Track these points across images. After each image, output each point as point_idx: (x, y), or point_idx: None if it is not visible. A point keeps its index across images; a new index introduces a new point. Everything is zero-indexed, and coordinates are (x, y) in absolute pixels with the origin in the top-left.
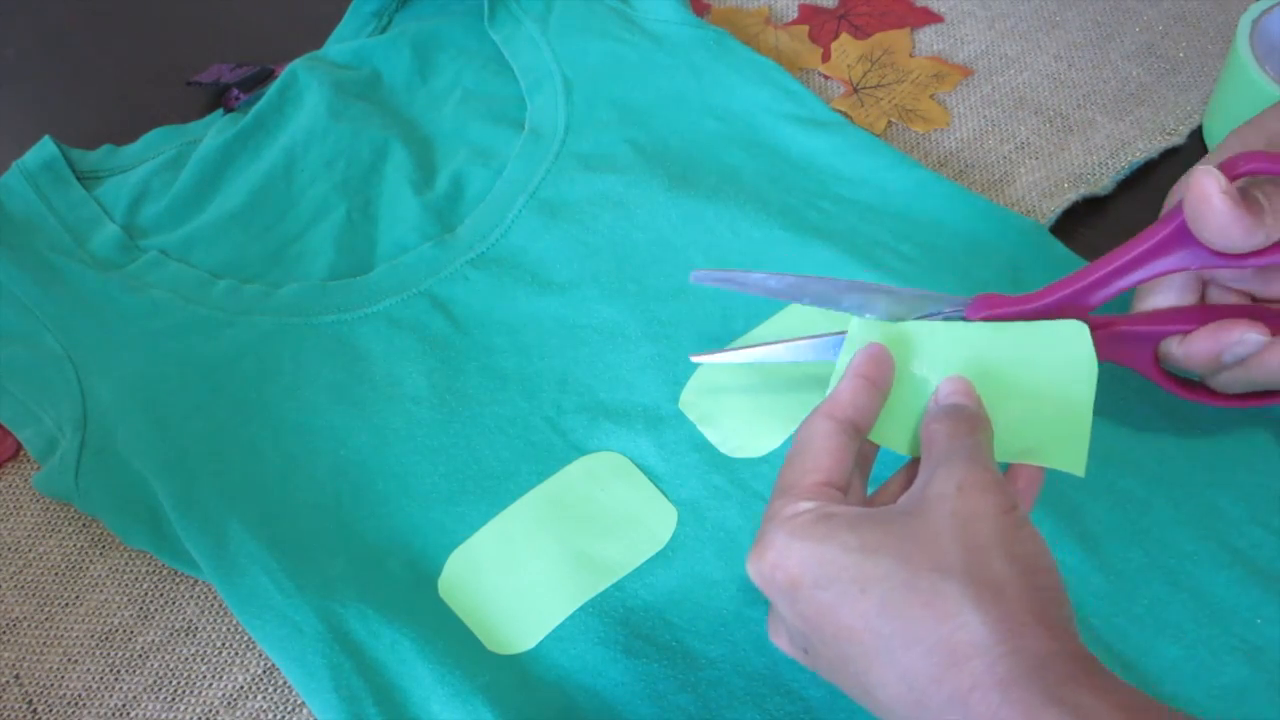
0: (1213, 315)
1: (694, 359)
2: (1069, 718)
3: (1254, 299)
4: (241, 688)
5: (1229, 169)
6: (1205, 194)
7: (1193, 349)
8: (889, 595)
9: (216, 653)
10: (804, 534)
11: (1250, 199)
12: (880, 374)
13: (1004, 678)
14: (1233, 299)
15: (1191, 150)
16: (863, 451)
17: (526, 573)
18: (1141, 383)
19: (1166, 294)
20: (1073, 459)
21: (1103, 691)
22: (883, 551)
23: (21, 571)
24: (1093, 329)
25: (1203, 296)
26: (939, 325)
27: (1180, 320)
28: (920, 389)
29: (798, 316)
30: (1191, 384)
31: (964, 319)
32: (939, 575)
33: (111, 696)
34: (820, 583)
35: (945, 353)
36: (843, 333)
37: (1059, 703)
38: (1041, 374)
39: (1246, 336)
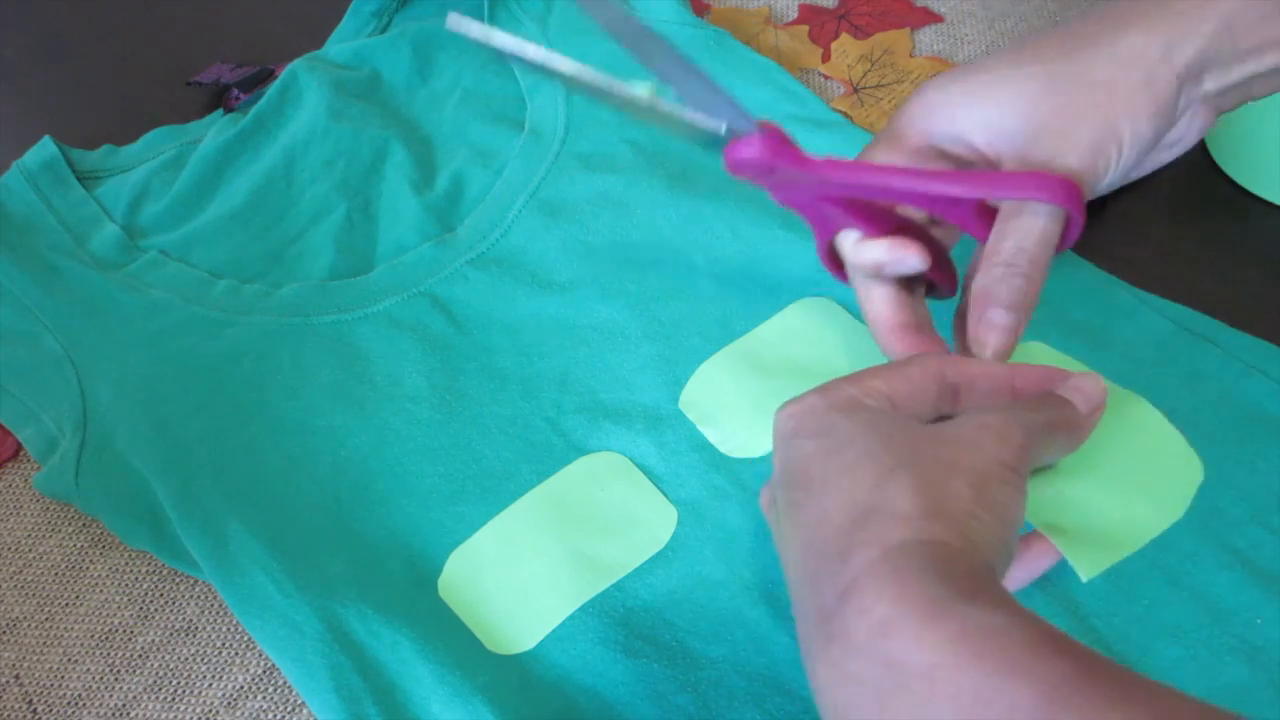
0: (878, 217)
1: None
2: (968, 615)
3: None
4: (241, 688)
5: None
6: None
7: (864, 257)
8: (855, 460)
9: (216, 653)
10: (826, 394)
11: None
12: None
13: (891, 550)
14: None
15: (1192, 150)
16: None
17: (526, 573)
18: (1141, 383)
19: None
20: (1091, 564)
21: (992, 601)
22: (875, 431)
23: (21, 571)
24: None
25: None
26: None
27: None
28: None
29: (798, 317)
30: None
31: (737, 132)
32: (907, 462)
33: (111, 696)
34: (814, 433)
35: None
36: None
37: (941, 600)
38: (1137, 478)
39: (880, 255)
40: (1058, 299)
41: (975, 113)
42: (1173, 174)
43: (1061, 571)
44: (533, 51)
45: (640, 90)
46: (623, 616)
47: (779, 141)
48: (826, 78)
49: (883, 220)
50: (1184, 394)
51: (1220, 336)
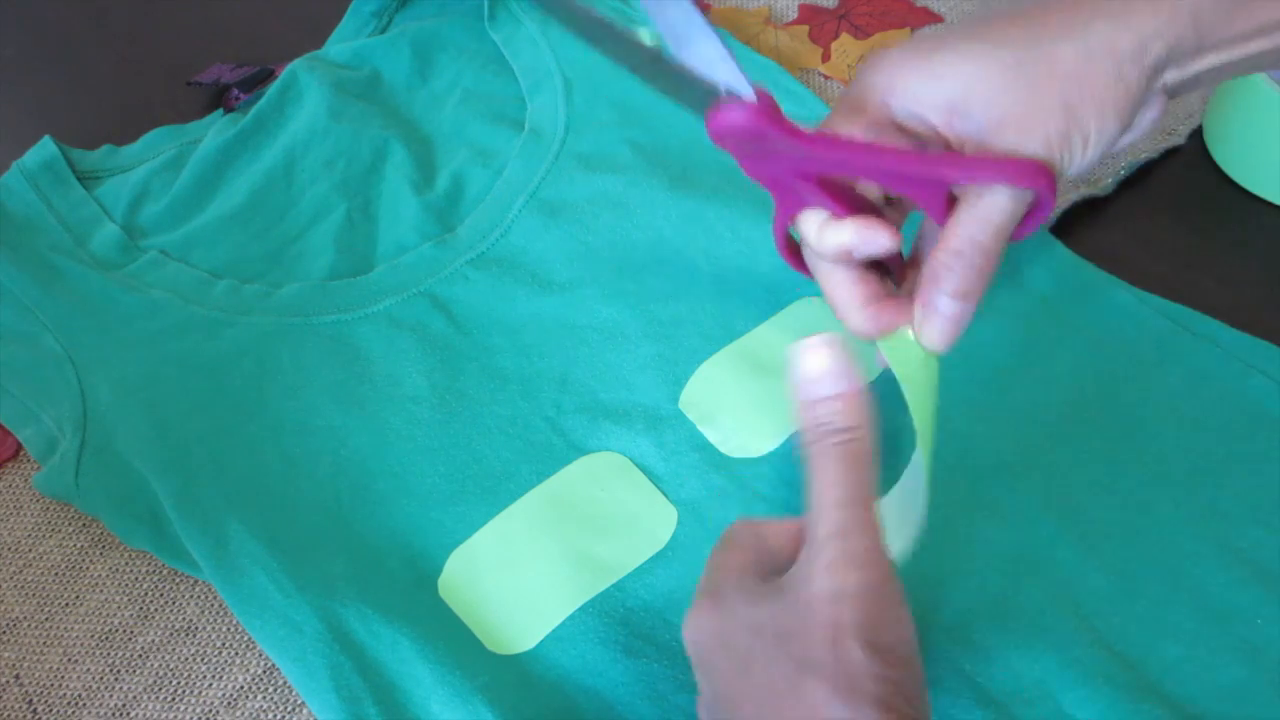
0: (859, 206)
1: None
2: None
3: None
4: (241, 688)
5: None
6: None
7: (830, 233)
8: (765, 679)
9: (216, 653)
10: (713, 606)
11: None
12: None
13: None
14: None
15: (1192, 150)
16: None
17: (526, 573)
18: (1142, 383)
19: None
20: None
21: None
22: (764, 632)
23: (21, 571)
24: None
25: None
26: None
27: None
28: None
29: (798, 317)
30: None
31: (724, 103)
32: (808, 672)
33: (111, 696)
34: (716, 653)
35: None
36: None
37: None
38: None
39: (845, 238)
40: (1058, 299)
41: (936, 93)
42: (1173, 174)
43: (1061, 571)
44: None
45: (644, 36)
46: (623, 616)
47: (772, 110)
48: (826, 78)
49: (849, 200)
50: (1184, 394)
51: (1220, 336)
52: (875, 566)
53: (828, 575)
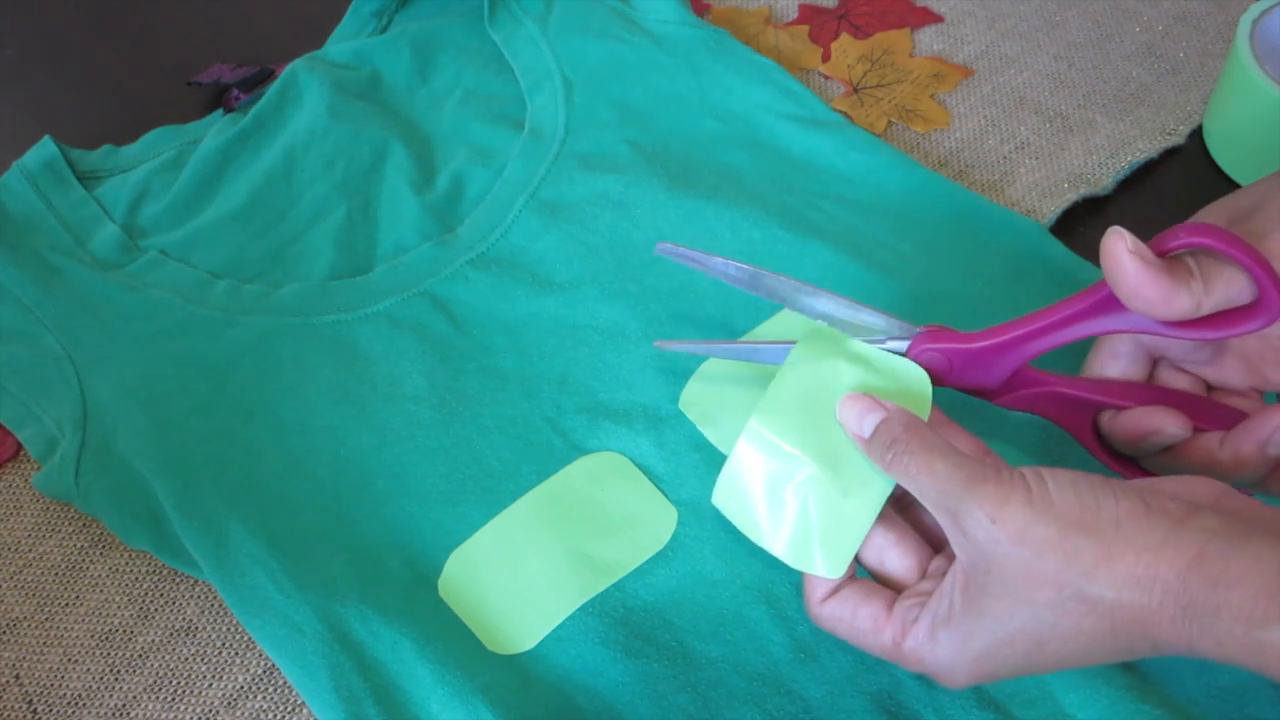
0: (1152, 397)
1: (657, 345)
2: (1230, 621)
3: (1209, 387)
4: (241, 688)
5: (1160, 242)
6: (1114, 255)
7: (1119, 428)
8: (1058, 637)
9: (216, 653)
10: (958, 654)
11: (1176, 265)
12: None
13: (1177, 612)
14: (1185, 382)
15: (1192, 150)
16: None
17: (526, 573)
18: None
19: (1115, 363)
20: None
21: (1243, 579)
22: (1016, 615)
23: (21, 571)
24: (1035, 383)
25: (1152, 374)
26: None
27: (1121, 395)
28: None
29: (798, 316)
30: (1126, 459)
31: (907, 349)
32: (1069, 592)
33: (111, 696)
34: (1011, 667)
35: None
36: (793, 342)
37: (1219, 612)
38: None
39: (1166, 428)
40: (1058, 299)
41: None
42: (1173, 174)
43: None
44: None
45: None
46: (623, 616)
47: (940, 334)
48: (826, 78)
49: (1128, 391)
50: None
51: None
52: (1015, 486)
53: (998, 529)
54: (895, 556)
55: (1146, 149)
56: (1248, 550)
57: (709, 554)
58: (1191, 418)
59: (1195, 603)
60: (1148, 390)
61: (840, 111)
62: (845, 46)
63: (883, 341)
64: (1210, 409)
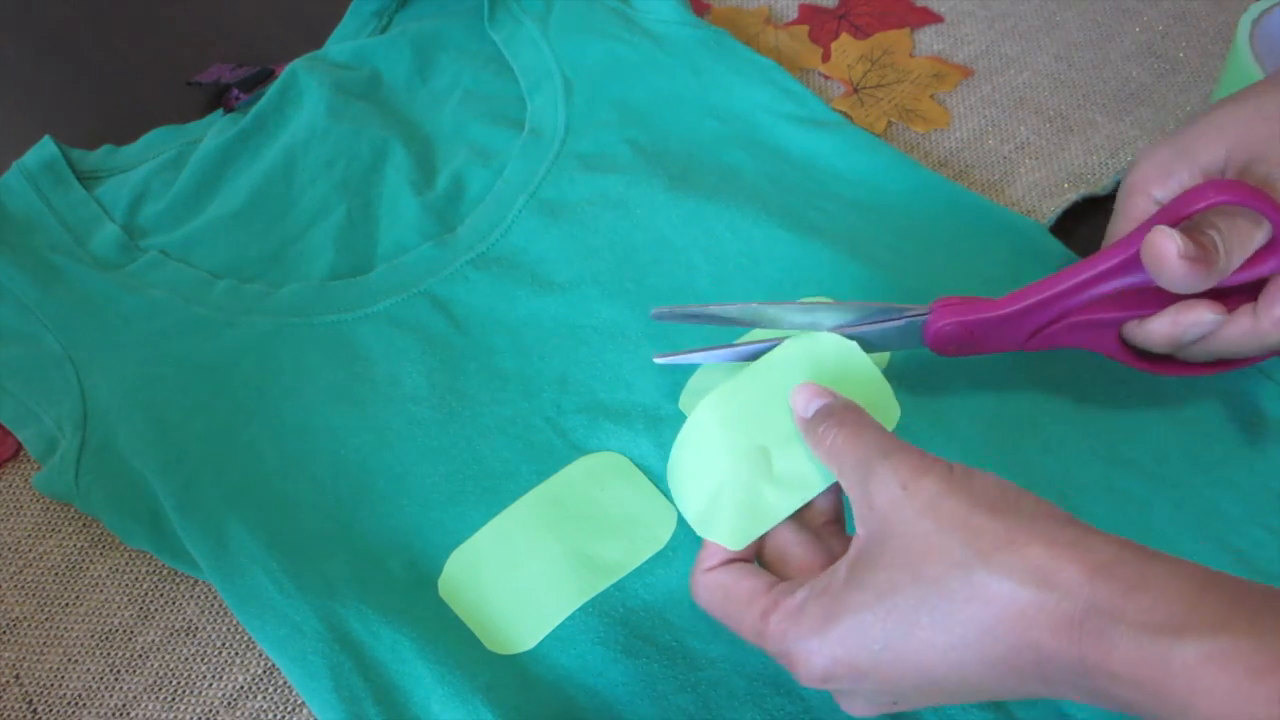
0: (1171, 297)
1: (656, 360)
2: (1137, 631)
3: None
4: (241, 688)
5: (1189, 203)
6: (1163, 257)
7: (1154, 331)
8: (934, 617)
9: (216, 653)
10: (825, 626)
11: (1204, 243)
12: None
13: (1069, 618)
14: None
15: None
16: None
17: (526, 573)
18: (1142, 384)
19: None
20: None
21: (1157, 588)
22: (898, 587)
23: (21, 571)
24: (1057, 318)
25: None
26: (735, 372)
27: (1140, 305)
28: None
29: None
30: (1156, 358)
31: (924, 325)
32: (959, 571)
33: (111, 696)
34: (875, 650)
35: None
36: (782, 339)
37: (1122, 619)
38: (841, 382)
39: (1204, 317)
40: None
41: (1189, 165)
42: None
43: None
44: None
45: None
46: (623, 616)
47: (958, 306)
48: (826, 78)
49: (1144, 297)
50: (1184, 394)
51: None
52: (933, 463)
53: (906, 496)
54: (799, 553)
55: None
56: (1164, 562)
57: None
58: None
59: (1097, 608)
60: (1162, 293)
61: (840, 111)
62: (845, 46)
63: (898, 318)
64: (1223, 291)
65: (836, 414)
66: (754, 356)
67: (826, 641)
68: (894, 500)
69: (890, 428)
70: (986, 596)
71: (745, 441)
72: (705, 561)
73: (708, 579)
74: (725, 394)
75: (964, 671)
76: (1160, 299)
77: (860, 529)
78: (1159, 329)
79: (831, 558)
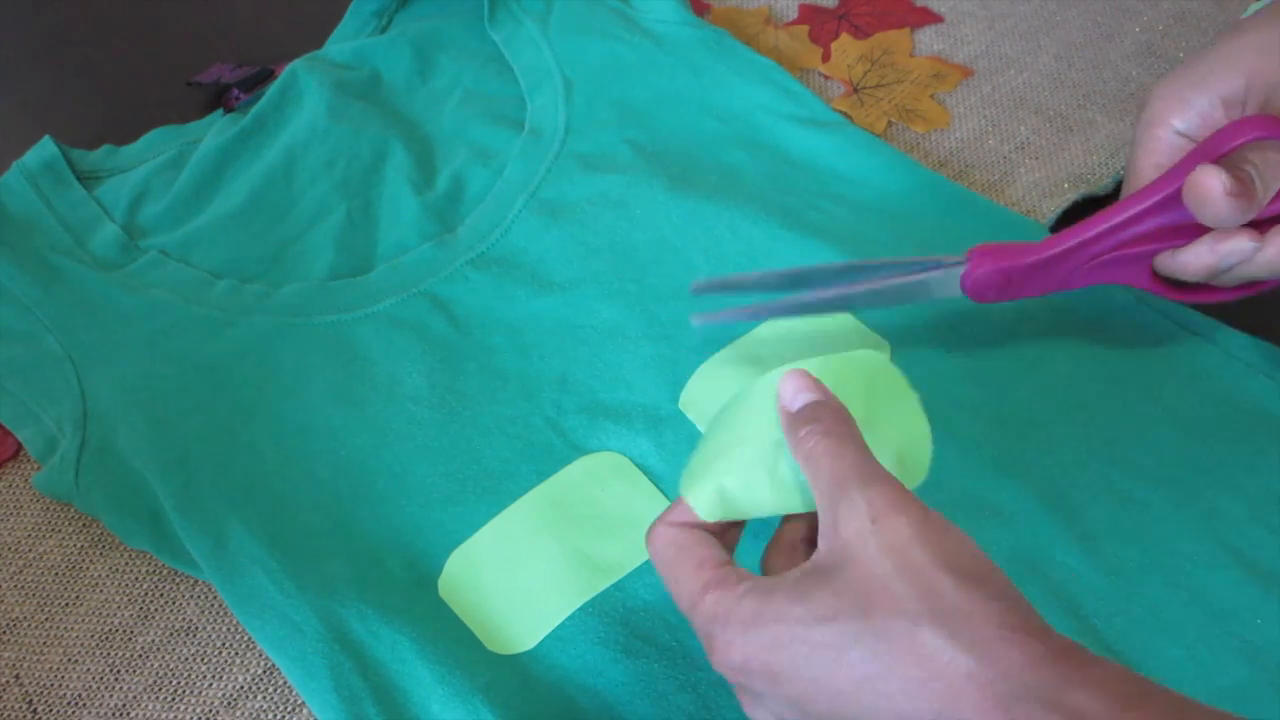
0: (1203, 228)
1: (695, 320)
2: None
3: None
4: (241, 688)
5: (1225, 141)
6: (1209, 195)
7: (1190, 262)
8: (867, 653)
9: (216, 653)
10: (757, 621)
11: (1242, 179)
12: None
13: (1003, 697)
14: None
15: None
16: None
17: (526, 573)
18: (1142, 381)
19: (1157, 168)
20: (916, 470)
21: (1098, 685)
22: (841, 615)
23: (21, 571)
24: (1088, 259)
25: None
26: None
27: (1171, 237)
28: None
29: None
30: (1187, 286)
31: (962, 276)
32: (906, 622)
33: (111, 696)
34: (798, 661)
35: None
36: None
37: (1058, 707)
38: (867, 394)
39: (1242, 245)
40: (1057, 298)
41: (1207, 94)
42: None
43: (1061, 571)
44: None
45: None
46: (623, 616)
47: (995, 253)
48: (826, 78)
49: (1177, 231)
50: (1184, 394)
51: (1220, 336)
52: (913, 505)
53: (876, 530)
54: (772, 552)
55: None
56: (1109, 666)
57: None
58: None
59: (1034, 694)
60: (1194, 224)
61: (840, 111)
62: (845, 46)
63: (936, 268)
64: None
65: (823, 420)
66: (804, 307)
67: (750, 639)
68: (860, 531)
69: (925, 459)
70: (925, 655)
71: (769, 431)
72: (672, 515)
73: (668, 533)
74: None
75: (877, 716)
76: (1193, 230)
77: (821, 544)
78: (1196, 259)
79: (791, 565)
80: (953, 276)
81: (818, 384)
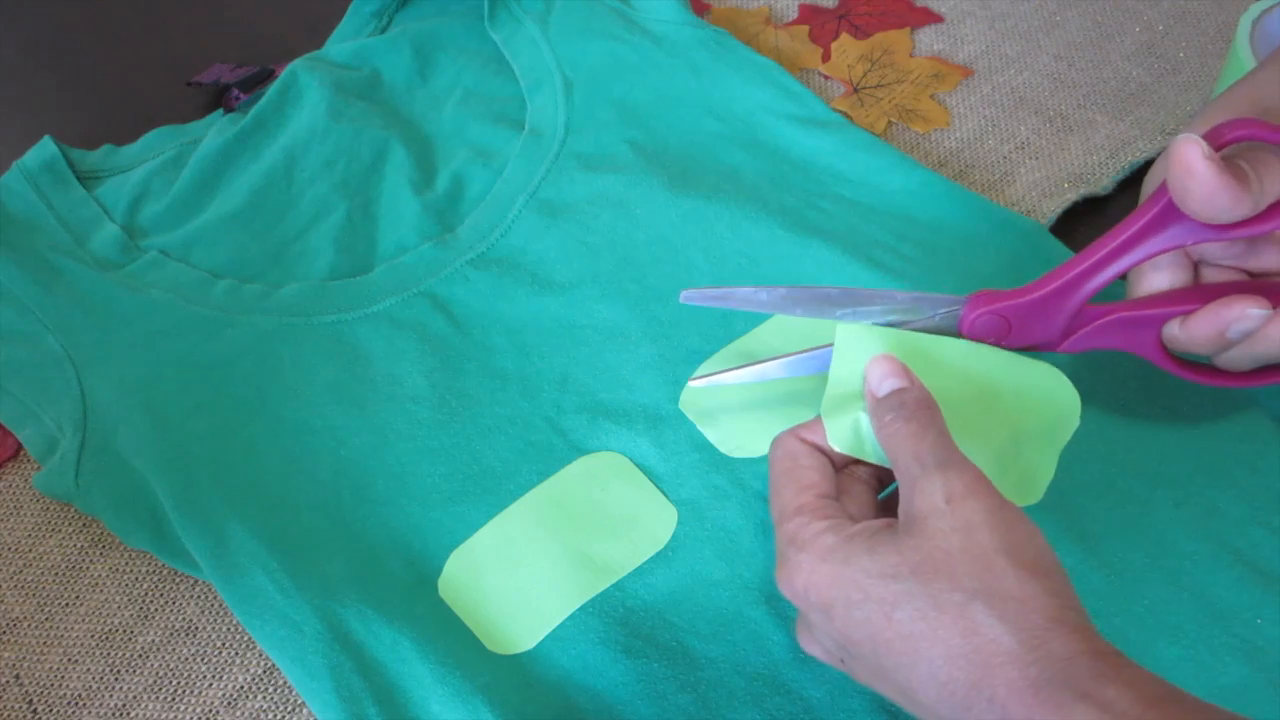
0: (1212, 294)
1: (692, 383)
2: (1096, 711)
3: (1249, 275)
4: (241, 688)
5: (1214, 137)
6: (1189, 164)
7: (1196, 329)
8: (917, 614)
9: (216, 653)
10: (828, 557)
11: (1235, 167)
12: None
13: (1036, 680)
14: (1228, 277)
15: None
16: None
17: (526, 573)
18: (1142, 382)
19: (1161, 276)
20: (1028, 492)
21: (1128, 684)
22: (901, 575)
23: (21, 571)
24: (1093, 318)
25: (1196, 277)
26: (928, 337)
27: (1180, 301)
28: None
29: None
30: (1197, 365)
31: (960, 318)
32: (961, 595)
33: (111, 696)
34: (853, 603)
35: (930, 364)
36: (829, 345)
37: (1087, 698)
38: (1025, 406)
39: (1249, 311)
40: None
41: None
42: None
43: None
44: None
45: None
46: (623, 616)
47: (992, 296)
48: (826, 78)
49: (1185, 295)
50: (1184, 394)
51: None
52: (988, 493)
53: (950, 510)
54: (864, 493)
55: (1146, 149)
56: (1143, 671)
57: (709, 554)
58: None
59: (1067, 682)
60: (1203, 290)
61: (840, 111)
62: (845, 46)
63: (932, 317)
64: (1269, 290)
65: (908, 406)
66: (792, 369)
67: (817, 570)
68: (934, 509)
69: (1034, 488)
70: (971, 627)
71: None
72: (803, 429)
73: (791, 443)
74: (920, 343)
75: (913, 674)
76: (1204, 297)
77: (900, 512)
78: (1200, 325)
79: (884, 515)
80: (951, 320)
81: (904, 369)
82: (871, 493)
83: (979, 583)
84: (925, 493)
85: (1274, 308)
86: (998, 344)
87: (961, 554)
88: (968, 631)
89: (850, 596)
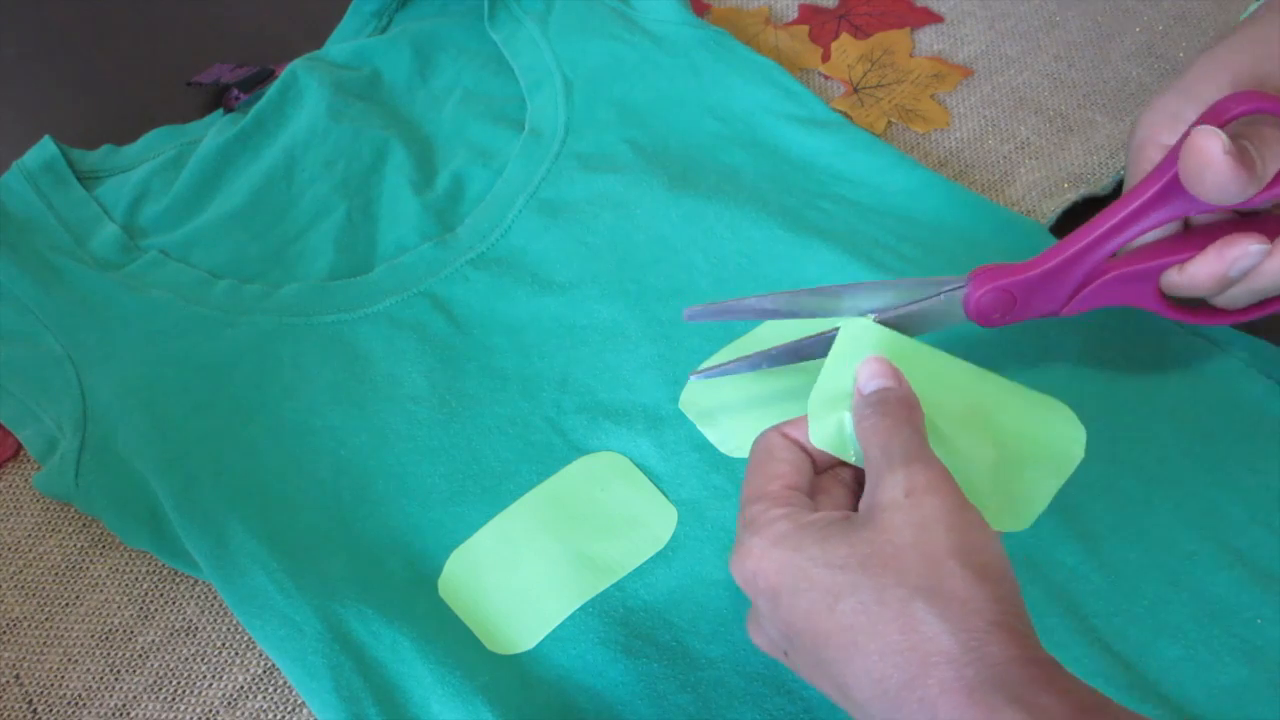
0: (1207, 237)
1: (693, 377)
2: (1027, 716)
3: (1237, 213)
4: (241, 688)
5: (1219, 114)
6: (1209, 157)
7: (1198, 272)
8: (859, 607)
9: (216, 653)
10: (780, 542)
11: (1242, 149)
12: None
13: (970, 682)
14: (1214, 217)
15: None
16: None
17: (526, 573)
18: (1141, 382)
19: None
20: (1017, 517)
21: (1063, 692)
22: (849, 566)
23: (21, 571)
24: (1094, 276)
25: (1185, 223)
26: (937, 352)
27: (1175, 250)
28: None
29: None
30: (1193, 306)
31: (965, 298)
32: (904, 591)
33: (111, 696)
34: (798, 590)
35: (929, 375)
36: (833, 331)
37: (1019, 702)
38: (1025, 432)
39: (1250, 248)
40: None
41: (1195, 103)
42: None
43: (1061, 572)
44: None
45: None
46: (623, 616)
47: (995, 272)
48: (826, 78)
49: (1181, 242)
50: (1184, 394)
51: (1220, 336)
52: (950, 492)
53: (908, 504)
54: (833, 487)
55: None
56: (1080, 683)
57: (709, 554)
58: None
59: (1000, 686)
60: (1198, 235)
61: (840, 111)
62: (845, 46)
63: (937, 298)
64: (1261, 225)
65: (889, 403)
66: (795, 353)
67: (766, 555)
68: (893, 501)
69: (1025, 512)
70: (911, 625)
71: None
72: (787, 427)
73: (772, 438)
74: (921, 352)
75: (849, 668)
76: (1198, 241)
77: (860, 504)
78: (1203, 269)
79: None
80: (954, 302)
81: (893, 371)
82: (852, 496)
83: (925, 580)
84: (887, 485)
85: (1271, 240)
86: (1003, 319)
87: (912, 549)
88: (907, 628)
89: (797, 584)
